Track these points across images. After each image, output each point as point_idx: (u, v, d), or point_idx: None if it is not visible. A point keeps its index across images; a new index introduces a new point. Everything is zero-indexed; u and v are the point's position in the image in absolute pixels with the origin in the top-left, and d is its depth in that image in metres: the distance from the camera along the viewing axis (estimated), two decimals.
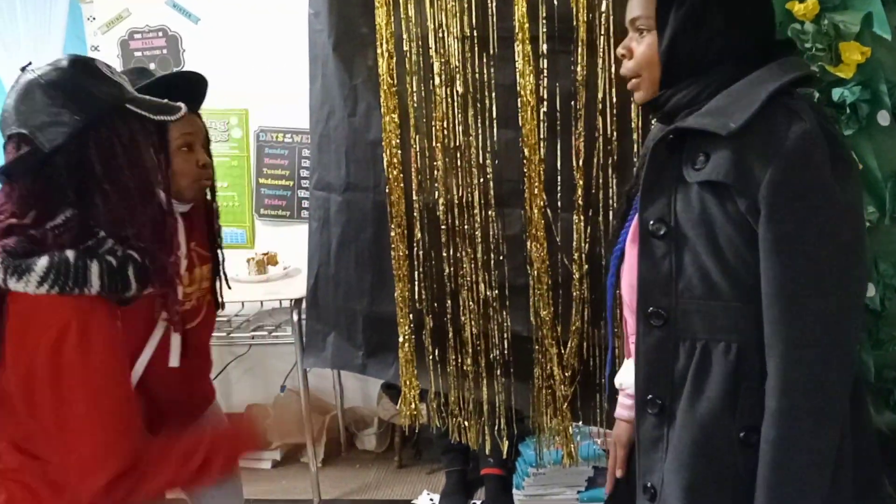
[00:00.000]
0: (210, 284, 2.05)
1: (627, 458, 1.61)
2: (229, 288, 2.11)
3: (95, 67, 1.39)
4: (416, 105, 2.36)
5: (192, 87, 1.93)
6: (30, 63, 1.41)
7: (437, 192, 2.38)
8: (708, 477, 1.32)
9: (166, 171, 1.49)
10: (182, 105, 1.48)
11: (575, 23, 2.14)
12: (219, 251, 2.07)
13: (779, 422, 1.24)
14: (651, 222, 1.35)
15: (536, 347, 2.34)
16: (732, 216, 1.27)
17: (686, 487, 1.33)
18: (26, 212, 1.34)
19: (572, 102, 2.19)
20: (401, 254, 2.44)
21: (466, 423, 2.50)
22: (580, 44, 2.15)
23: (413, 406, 2.55)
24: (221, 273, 2.08)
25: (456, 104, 2.30)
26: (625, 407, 1.59)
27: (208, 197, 2.06)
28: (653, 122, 1.57)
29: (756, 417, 1.26)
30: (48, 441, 1.36)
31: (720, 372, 1.31)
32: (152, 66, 3.64)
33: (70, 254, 1.32)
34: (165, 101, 1.47)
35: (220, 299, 2.10)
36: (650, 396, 1.38)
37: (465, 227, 2.36)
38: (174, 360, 1.89)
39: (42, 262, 1.30)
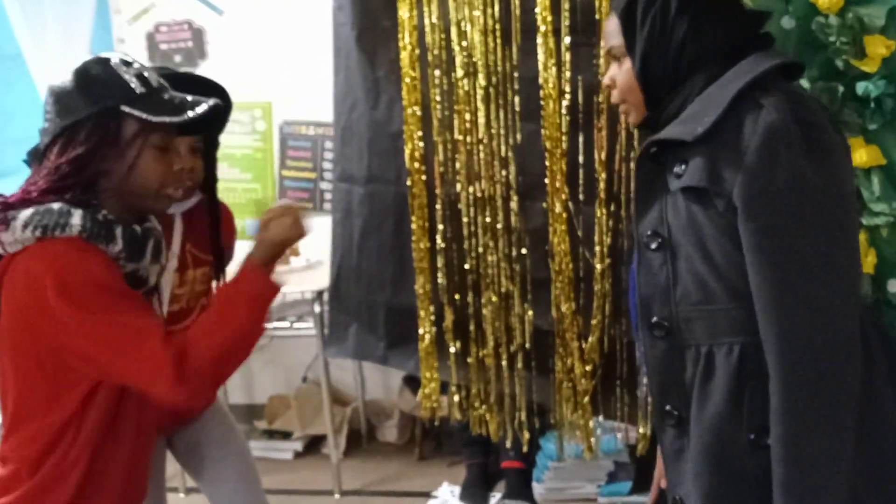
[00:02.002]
0: (207, 289, 2.03)
1: None
2: None
3: (101, 69, 1.43)
4: (438, 98, 2.36)
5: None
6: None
7: (458, 185, 2.38)
8: (724, 482, 1.31)
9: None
10: (201, 102, 1.46)
11: (597, 15, 2.13)
12: (223, 256, 2.02)
13: (783, 418, 1.22)
14: (646, 234, 1.36)
15: (558, 341, 2.34)
16: (715, 219, 1.27)
17: (704, 495, 1.32)
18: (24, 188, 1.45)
19: (595, 95, 2.19)
20: (422, 246, 2.45)
21: (487, 415, 2.50)
22: (602, 37, 2.14)
23: (433, 398, 2.56)
24: (221, 279, 2.03)
25: (478, 97, 2.31)
26: None
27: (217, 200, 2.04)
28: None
29: (764, 417, 1.25)
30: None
31: (724, 375, 1.30)
32: (177, 59, 3.67)
33: (56, 204, 1.37)
34: (188, 98, 1.47)
35: None
36: (667, 408, 1.38)
37: (487, 219, 2.37)
38: None
39: (27, 211, 1.36)
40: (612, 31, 1.43)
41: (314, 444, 3.73)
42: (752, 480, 1.29)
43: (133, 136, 1.41)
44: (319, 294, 3.20)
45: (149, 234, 1.48)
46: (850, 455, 1.23)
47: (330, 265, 2.73)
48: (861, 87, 1.79)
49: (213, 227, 2.00)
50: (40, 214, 1.35)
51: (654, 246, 1.35)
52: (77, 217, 1.36)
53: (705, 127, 1.26)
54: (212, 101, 1.47)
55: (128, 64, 1.44)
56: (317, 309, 3.21)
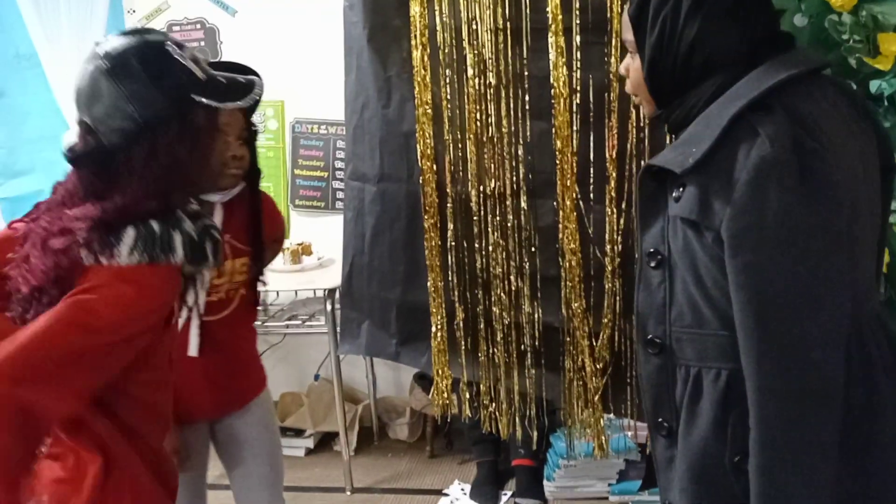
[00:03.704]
0: (247, 279, 2.03)
1: None
2: (264, 284, 2.09)
3: (164, 56, 1.33)
4: (449, 97, 2.37)
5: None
6: (100, 43, 1.37)
7: (469, 183, 2.39)
8: (708, 500, 1.33)
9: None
10: (255, 83, 1.45)
11: (608, 14, 2.13)
12: (262, 247, 2.02)
13: (759, 451, 1.22)
14: (648, 252, 1.36)
15: (568, 339, 2.34)
16: (707, 248, 1.26)
17: None
18: (96, 196, 1.35)
19: (605, 94, 2.19)
20: (433, 244, 2.46)
21: (498, 413, 2.51)
22: (614, 35, 2.14)
23: (445, 395, 2.57)
24: (258, 270, 2.04)
25: (489, 96, 2.31)
26: None
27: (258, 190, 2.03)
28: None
29: (748, 443, 1.25)
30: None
31: (710, 399, 1.31)
32: None
33: (154, 224, 1.32)
34: (238, 78, 1.45)
35: (257, 296, 2.07)
36: (659, 420, 1.40)
37: (498, 218, 2.37)
38: (192, 350, 1.90)
39: (130, 233, 1.30)
40: (626, 24, 1.40)
41: (326, 441, 3.75)
42: (735, 500, 1.29)
43: (205, 124, 1.37)
44: (331, 292, 3.21)
45: (205, 236, 1.42)
46: (828, 489, 1.22)
47: (342, 263, 2.74)
48: (874, 84, 1.79)
49: (253, 217, 2.01)
50: (144, 239, 1.31)
51: (653, 264, 1.36)
52: (178, 243, 1.33)
53: (696, 158, 1.24)
54: (257, 80, 1.47)
55: (180, 46, 1.36)
56: (328, 307, 3.22)
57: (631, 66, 1.41)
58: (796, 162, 1.19)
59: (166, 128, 1.31)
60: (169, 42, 1.35)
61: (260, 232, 2.02)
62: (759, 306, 1.21)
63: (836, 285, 1.22)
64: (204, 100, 1.34)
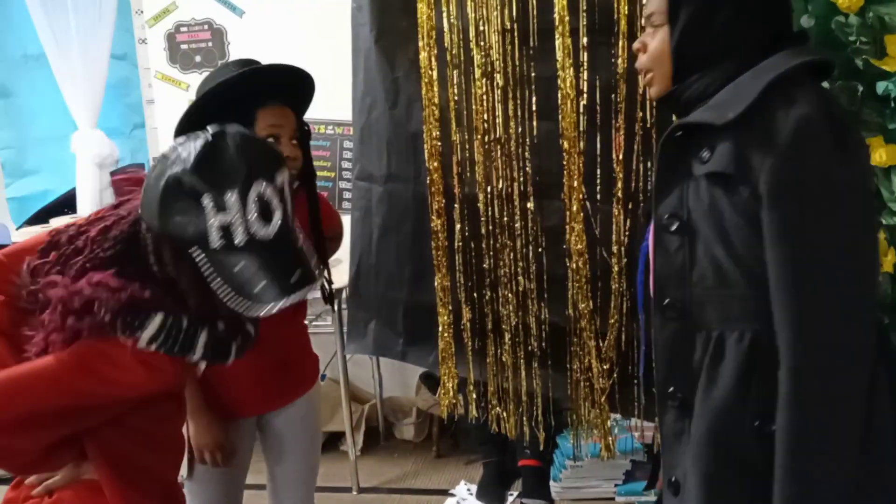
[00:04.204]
0: None
1: None
2: (329, 283, 2.07)
3: (181, 206, 1.26)
4: (456, 97, 2.37)
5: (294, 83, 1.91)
6: (205, 134, 1.31)
7: (476, 184, 2.39)
8: (724, 466, 1.32)
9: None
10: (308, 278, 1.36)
11: (616, 15, 2.13)
12: (323, 247, 1.99)
13: (790, 408, 1.23)
14: (665, 217, 1.36)
15: (575, 339, 2.35)
16: (739, 206, 1.27)
17: (703, 476, 1.33)
18: (124, 271, 1.30)
19: (612, 95, 2.19)
20: (441, 244, 2.46)
21: (505, 413, 2.51)
22: (621, 36, 2.14)
23: (452, 396, 2.57)
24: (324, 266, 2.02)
25: (496, 97, 2.31)
26: None
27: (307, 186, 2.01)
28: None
29: (771, 405, 1.25)
30: None
31: (733, 360, 1.30)
32: (198, 59, 3.70)
33: (185, 318, 1.29)
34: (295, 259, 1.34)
35: (327, 291, 2.06)
36: (671, 389, 1.39)
37: (505, 218, 2.37)
38: None
39: (156, 321, 1.27)
40: None
41: (332, 441, 3.75)
42: (752, 466, 1.29)
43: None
44: (338, 292, 3.21)
45: (236, 335, 1.39)
46: (857, 449, 1.23)
47: (349, 263, 2.75)
48: (881, 86, 1.78)
49: (313, 219, 2.00)
50: (167, 331, 1.27)
51: (672, 228, 1.36)
52: (201, 344, 1.31)
53: (736, 113, 1.27)
54: (315, 279, 1.38)
55: (221, 209, 1.26)
56: (335, 307, 3.22)
57: (651, 41, 1.42)
58: (829, 127, 1.23)
59: (183, 273, 1.30)
60: (210, 199, 1.25)
61: (321, 234, 2.01)
62: (798, 260, 1.22)
63: (872, 247, 1.25)
64: (201, 257, 1.28)
